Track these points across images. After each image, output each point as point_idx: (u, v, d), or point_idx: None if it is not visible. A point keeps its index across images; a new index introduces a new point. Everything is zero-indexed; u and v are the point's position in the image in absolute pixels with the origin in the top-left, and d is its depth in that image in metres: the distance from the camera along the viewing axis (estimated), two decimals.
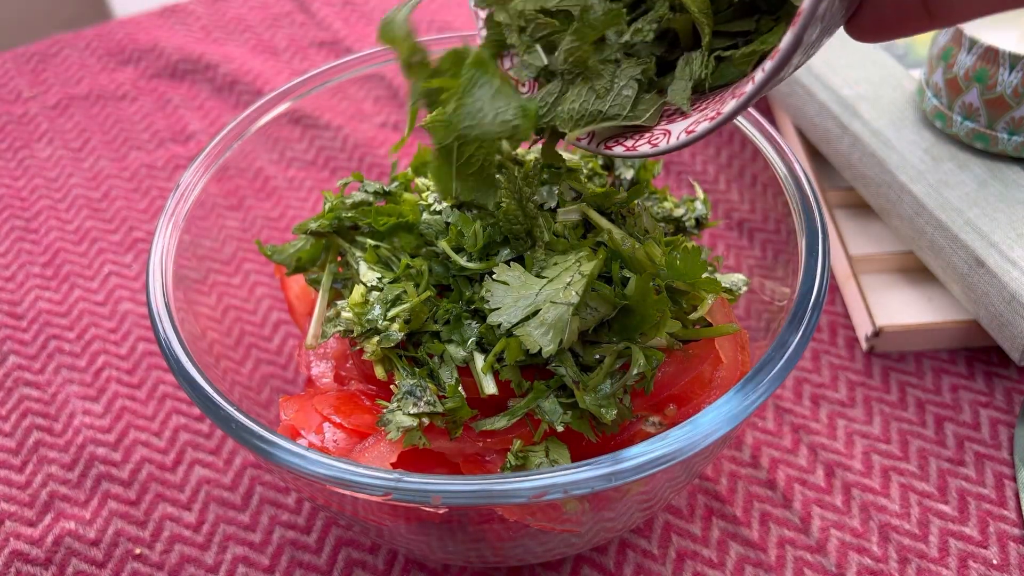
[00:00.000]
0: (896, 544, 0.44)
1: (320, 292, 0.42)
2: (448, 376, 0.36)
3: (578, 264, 0.35)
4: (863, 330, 0.52)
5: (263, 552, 0.45)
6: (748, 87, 0.29)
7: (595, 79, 0.34)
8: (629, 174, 0.46)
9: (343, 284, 0.42)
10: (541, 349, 0.34)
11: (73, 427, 0.50)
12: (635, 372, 0.35)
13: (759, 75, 0.29)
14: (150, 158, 0.69)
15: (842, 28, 0.30)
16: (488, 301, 0.35)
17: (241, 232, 0.55)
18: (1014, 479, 0.46)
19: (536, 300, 0.34)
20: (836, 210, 0.58)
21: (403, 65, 0.37)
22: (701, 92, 0.34)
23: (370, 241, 0.40)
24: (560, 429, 0.35)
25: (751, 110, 0.45)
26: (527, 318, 0.34)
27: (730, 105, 0.30)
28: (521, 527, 0.36)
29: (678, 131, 0.32)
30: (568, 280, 0.34)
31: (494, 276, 0.36)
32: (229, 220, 0.51)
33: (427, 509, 0.31)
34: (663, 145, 0.33)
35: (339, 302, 0.40)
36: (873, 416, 0.49)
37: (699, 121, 0.32)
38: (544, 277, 0.35)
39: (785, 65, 0.28)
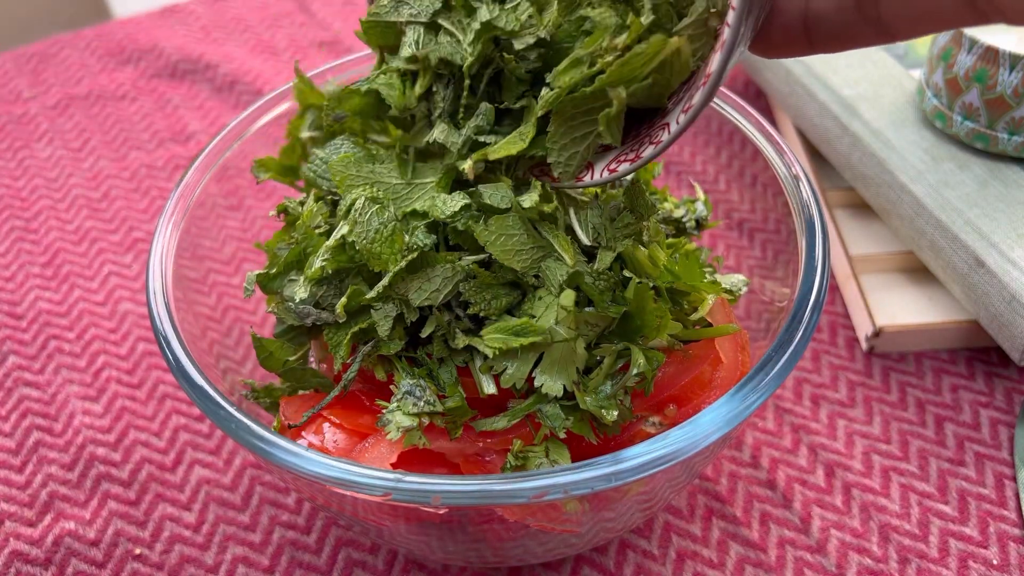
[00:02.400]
0: (896, 544, 0.44)
1: None
2: (448, 376, 0.36)
3: (555, 298, 0.35)
4: (863, 330, 0.52)
5: (263, 552, 0.45)
6: (664, 135, 0.31)
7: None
8: (629, 175, 0.46)
9: None
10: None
11: (73, 427, 0.50)
12: (635, 373, 0.35)
13: (674, 126, 0.31)
14: (150, 158, 0.69)
15: None
16: (492, 367, 0.35)
17: (241, 232, 0.55)
18: (1014, 479, 0.46)
19: (536, 343, 0.35)
20: (836, 210, 0.58)
21: None
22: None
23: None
24: (562, 435, 0.35)
25: (751, 110, 0.45)
26: (535, 364, 0.35)
27: (648, 151, 0.32)
28: (521, 527, 0.36)
29: (600, 168, 0.34)
30: (555, 317, 0.34)
31: (488, 336, 0.35)
32: (229, 220, 0.51)
33: (427, 509, 0.31)
34: (586, 179, 0.34)
35: None
36: (873, 416, 0.49)
37: (620, 161, 0.34)
38: (533, 316, 0.35)
39: (697, 116, 0.30)
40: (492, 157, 0.35)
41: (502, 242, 0.35)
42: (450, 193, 0.36)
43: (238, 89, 0.74)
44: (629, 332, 0.36)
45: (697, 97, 0.29)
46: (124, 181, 0.67)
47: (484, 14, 0.34)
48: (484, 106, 0.35)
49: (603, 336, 0.36)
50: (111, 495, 0.47)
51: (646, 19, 0.31)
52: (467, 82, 0.35)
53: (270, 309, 0.39)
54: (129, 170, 0.68)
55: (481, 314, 0.35)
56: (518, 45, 0.34)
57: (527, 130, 0.35)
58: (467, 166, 0.35)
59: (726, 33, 0.27)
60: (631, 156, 0.33)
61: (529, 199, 0.35)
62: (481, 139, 0.36)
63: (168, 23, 0.83)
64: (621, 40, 0.31)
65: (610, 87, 0.32)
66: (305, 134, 0.43)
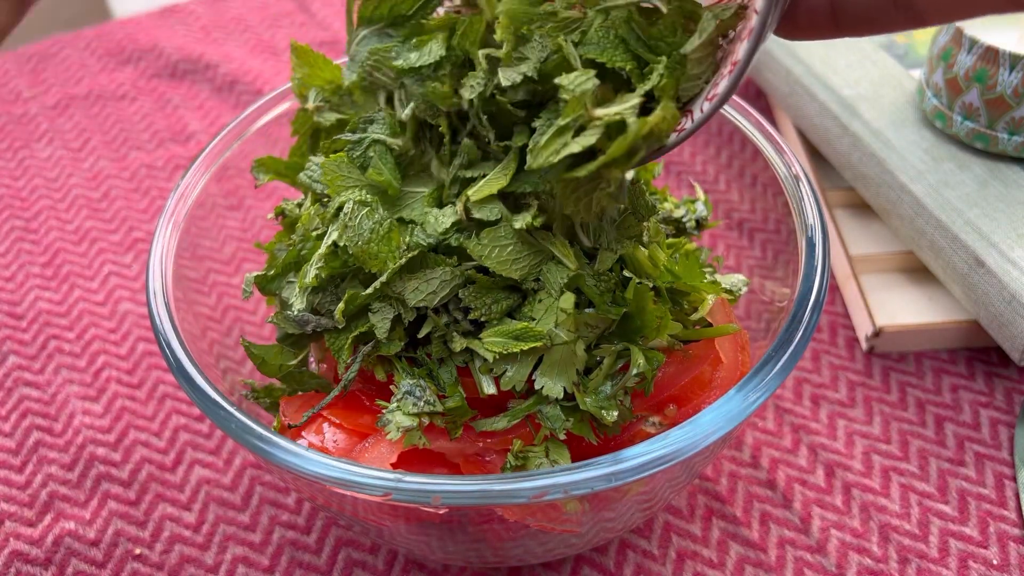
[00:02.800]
0: (896, 544, 0.44)
1: None
2: (448, 376, 0.36)
3: (555, 301, 0.35)
4: (863, 330, 0.52)
5: (263, 552, 0.45)
6: (687, 123, 0.31)
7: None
8: (629, 175, 0.46)
9: None
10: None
11: (73, 427, 0.50)
12: (635, 373, 0.35)
13: (697, 114, 0.31)
14: (150, 158, 0.69)
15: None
16: (492, 368, 0.35)
17: (241, 232, 0.55)
18: (1014, 479, 0.46)
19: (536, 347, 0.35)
20: (836, 210, 0.58)
21: None
22: None
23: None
24: (562, 437, 0.35)
25: (751, 110, 0.45)
26: (535, 367, 0.35)
27: (672, 138, 0.32)
28: (521, 527, 0.36)
29: None
30: (555, 320, 0.34)
31: (487, 339, 0.35)
32: (229, 220, 0.51)
33: (427, 509, 0.31)
34: None
35: None
36: (873, 416, 0.49)
37: None
38: (533, 318, 0.35)
39: (723, 104, 0.30)
40: (474, 199, 0.35)
41: (496, 254, 0.35)
42: (440, 208, 0.36)
43: (238, 89, 0.74)
44: (629, 332, 0.36)
45: (722, 86, 0.29)
46: (124, 181, 0.67)
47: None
48: (466, 143, 0.35)
49: (603, 337, 0.36)
50: (111, 495, 0.47)
51: (621, 113, 0.30)
52: (446, 137, 0.36)
53: (271, 320, 0.39)
54: (129, 170, 0.68)
55: (482, 319, 0.35)
56: (505, 82, 0.33)
57: (508, 166, 0.35)
58: (459, 208, 0.36)
59: (754, 20, 0.27)
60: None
61: (522, 220, 0.35)
62: (468, 175, 0.36)
63: (168, 23, 0.83)
64: (602, 115, 0.31)
65: (604, 168, 0.31)
66: (312, 104, 0.42)
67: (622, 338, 0.36)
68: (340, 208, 0.36)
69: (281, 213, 0.42)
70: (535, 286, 0.36)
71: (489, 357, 0.34)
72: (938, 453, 0.47)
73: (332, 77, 0.42)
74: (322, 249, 0.36)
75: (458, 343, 0.35)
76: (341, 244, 0.35)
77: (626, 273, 0.37)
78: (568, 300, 0.34)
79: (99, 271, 0.60)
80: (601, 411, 0.35)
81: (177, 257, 0.41)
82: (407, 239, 0.35)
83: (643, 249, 0.37)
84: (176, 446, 0.49)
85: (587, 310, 0.35)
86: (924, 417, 0.49)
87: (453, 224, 0.35)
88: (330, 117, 0.41)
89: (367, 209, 0.35)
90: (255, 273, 0.40)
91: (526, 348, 0.34)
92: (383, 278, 0.35)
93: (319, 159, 0.40)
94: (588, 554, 0.44)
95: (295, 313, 0.37)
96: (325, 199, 0.40)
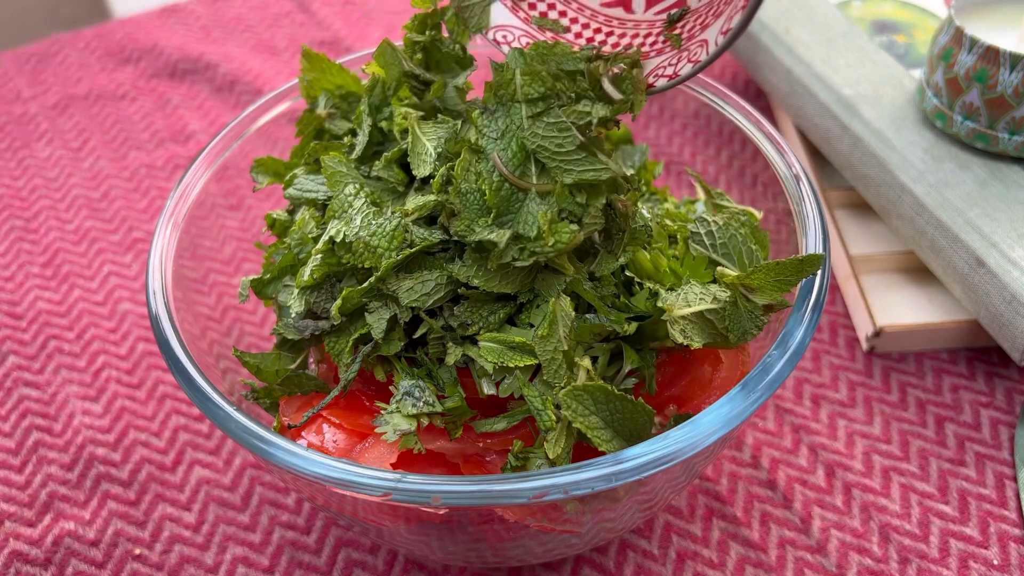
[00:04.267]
0: (896, 544, 0.44)
1: None
2: (447, 376, 0.36)
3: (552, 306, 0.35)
4: (864, 330, 0.52)
5: (263, 552, 0.45)
6: (702, 55, 0.33)
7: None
8: (629, 174, 0.46)
9: None
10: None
11: (73, 427, 0.50)
12: (627, 368, 0.35)
13: (712, 47, 0.32)
14: (150, 158, 0.69)
15: None
16: (491, 374, 0.35)
17: (241, 232, 0.55)
18: (1014, 479, 0.46)
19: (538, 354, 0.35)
20: (836, 210, 0.58)
21: None
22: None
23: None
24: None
25: (752, 110, 0.45)
26: (534, 374, 0.35)
27: (686, 69, 0.34)
28: (521, 527, 0.36)
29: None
30: (554, 328, 0.34)
31: (484, 343, 0.35)
32: (229, 220, 0.51)
33: (427, 509, 0.31)
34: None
35: None
36: (873, 416, 0.49)
37: (659, 76, 0.36)
38: (531, 324, 0.35)
39: (736, 39, 0.31)
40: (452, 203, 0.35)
41: (483, 274, 0.35)
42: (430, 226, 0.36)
43: (238, 89, 0.74)
44: (646, 341, 0.36)
45: (736, 20, 0.30)
46: (124, 181, 0.67)
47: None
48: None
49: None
50: (111, 495, 0.47)
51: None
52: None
53: (274, 331, 0.39)
54: (129, 170, 0.68)
55: (481, 332, 0.35)
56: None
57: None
58: (443, 220, 0.36)
59: None
60: (669, 72, 0.35)
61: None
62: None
63: (168, 23, 0.83)
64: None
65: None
66: (323, 110, 0.43)
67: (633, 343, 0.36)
68: (340, 205, 0.36)
69: (272, 224, 0.43)
70: (530, 295, 0.35)
71: (488, 367, 0.34)
72: (938, 453, 0.47)
73: (341, 82, 0.42)
74: (319, 245, 0.36)
75: (452, 355, 0.35)
76: (339, 240, 0.35)
77: (628, 274, 0.37)
78: (566, 303, 0.34)
79: (99, 271, 0.60)
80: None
81: (177, 257, 0.41)
82: (408, 236, 0.35)
83: (645, 252, 0.37)
84: (176, 446, 0.49)
85: (588, 316, 0.35)
86: (924, 417, 0.49)
87: (439, 242, 0.35)
88: (342, 125, 0.41)
89: (375, 209, 0.35)
90: (251, 277, 0.40)
91: (522, 365, 0.34)
92: (380, 272, 0.35)
93: (302, 171, 0.40)
94: (588, 554, 0.44)
95: (293, 318, 0.37)
96: (320, 204, 0.40)
